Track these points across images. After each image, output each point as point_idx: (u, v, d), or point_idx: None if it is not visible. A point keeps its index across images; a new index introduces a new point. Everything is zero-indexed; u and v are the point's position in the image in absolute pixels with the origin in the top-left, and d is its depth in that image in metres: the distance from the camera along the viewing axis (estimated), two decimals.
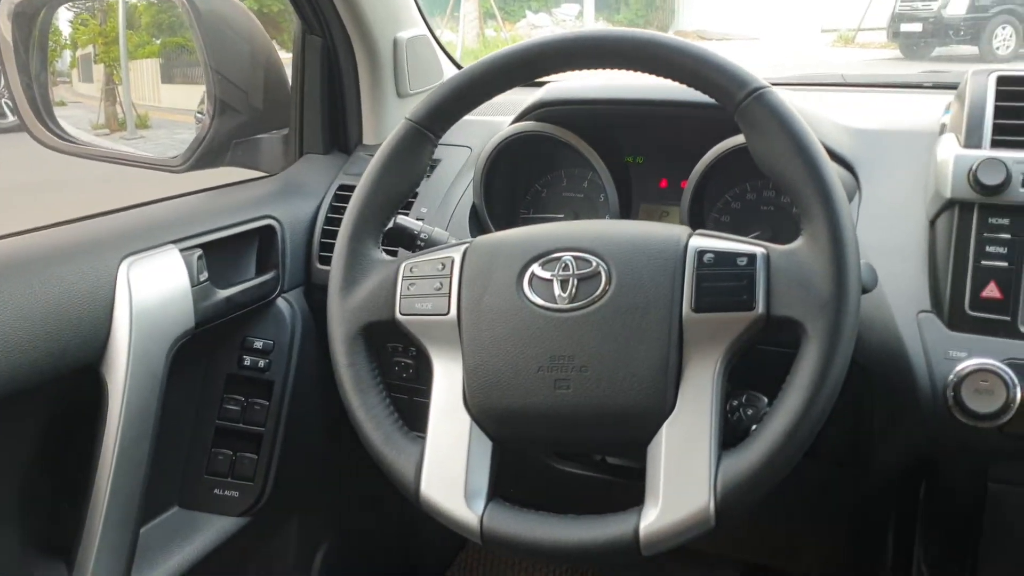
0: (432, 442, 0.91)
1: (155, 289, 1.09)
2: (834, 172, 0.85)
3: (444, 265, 0.95)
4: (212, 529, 1.27)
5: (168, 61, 2.08)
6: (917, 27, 9.99)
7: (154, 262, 1.11)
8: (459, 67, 1.65)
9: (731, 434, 0.87)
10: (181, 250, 1.15)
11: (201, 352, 1.26)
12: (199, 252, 1.17)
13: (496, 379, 0.89)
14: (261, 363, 1.30)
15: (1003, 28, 9.64)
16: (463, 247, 0.96)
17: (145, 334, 1.07)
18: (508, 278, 0.92)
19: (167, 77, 2.10)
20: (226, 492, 1.29)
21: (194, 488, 1.29)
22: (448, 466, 0.90)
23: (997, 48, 9.53)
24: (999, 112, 1.02)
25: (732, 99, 0.87)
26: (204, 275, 1.17)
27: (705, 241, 0.88)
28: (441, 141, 1.02)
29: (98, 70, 2.14)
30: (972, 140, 1.01)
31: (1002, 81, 1.04)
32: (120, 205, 1.21)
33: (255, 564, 1.40)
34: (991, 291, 0.96)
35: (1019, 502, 1.03)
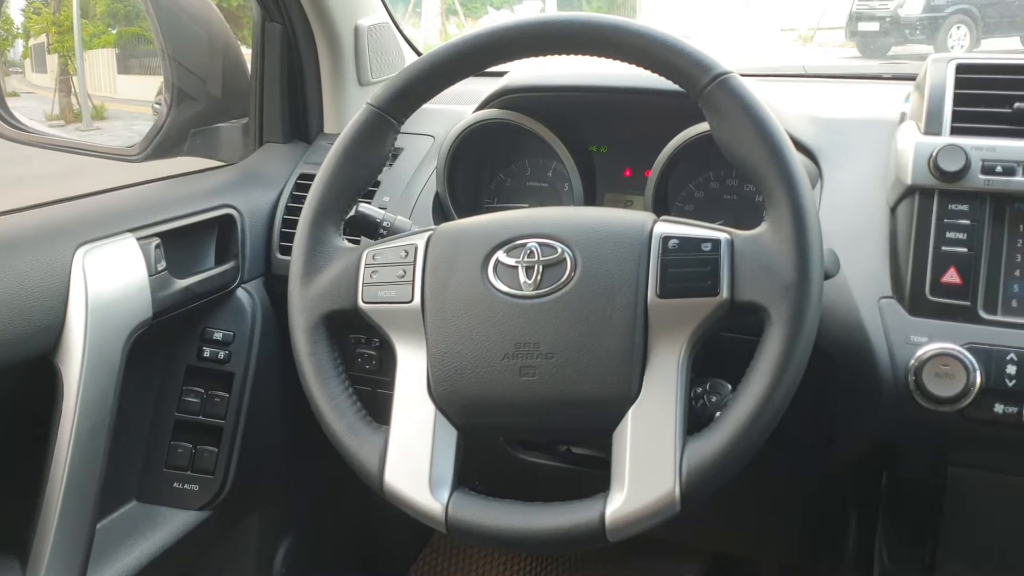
0: (396, 431, 0.90)
1: (111, 278, 1.07)
2: (797, 158, 0.85)
3: (407, 252, 0.94)
4: (171, 523, 1.24)
5: (125, 51, 2.05)
6: (874, 26, 10.12)
7: (110, 251, 1.08)
8: (420, 55, 1.64)
9: (696, 421, 0.87)
10: (138, 239, 1.12)
11: (159, 343, 1.24)
12: (157, 241, 1.15)
13: (461, 367, 0.89)
14: (221, 354, 1.28)
15: (958, 28, 9.80)
16: (427, 234, 0.95)
17: (101, 324, 1.05)
18: (472, 265, 0.91)
19: (124, 67, 2.07)
20: (186, 486, 1.26)
21: (153, 482, 1.27)
22: (412, 455, 0.89)
23: (952, 47, 9.67)
24: (958, 99, 1.03)
25: (696, 84, 0.87)
26: (162, 264, 1.15)
27: (670, 227, 0.88)
28: (404, 130, 1.01)
29: (52, 60, 2.10)
30: (932, 127, 1.02)
31: (961, 69, 1.05)
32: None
33: (216, 559, 1.38)
34: (951, 277, 0.97)
35: (979, 486, 1.04)
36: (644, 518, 0.82)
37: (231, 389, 1.28)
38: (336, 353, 0.96)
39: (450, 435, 0.90)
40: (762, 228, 0.85)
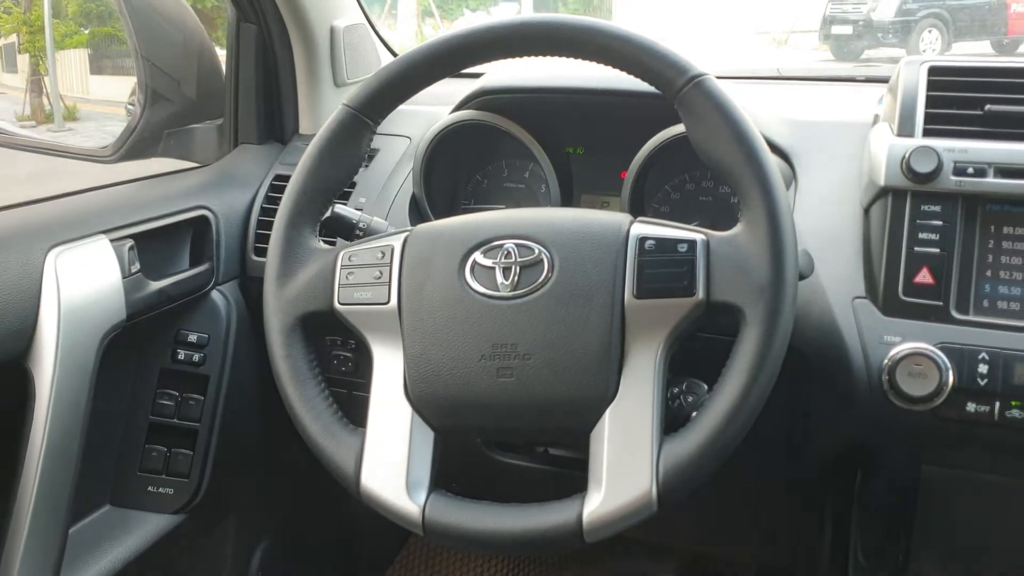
0: (372, 433, 0.90)
1: (84, 280, 1.06)
2: (772, 159, 0.86)
3: (384, 253, 0.94)
4: (145, 527, 1.23)
5: (97, 51, 2.03)
6: (847, 30, 10.21)
7: (83, 253, 1.07)
8: (396, 56, 1.63)
9: (672, 421, 0.87)
10: (112, 240, 1.11)
11: (133, 346, 1.23)
12: (130, 243, 1.14)
13: (438, 368, 0.88)
14: (196, 357, 1.27)
15: (929, 31, 9.91)
16: (403, 235, 0.95)
17: (74, 327, 1.04)
18: (450, 266, 0.91)
19: (96, 68, 2.05)
20: (160, 489, 1.25)
21: (127, 485, 1.25)
22: (389, 457, 0.88)
23: (924, 51, 9.77)
24: (931, 101, 1.04)
25: (671, 86, 0.88)
26: (136, 266, 1.14)
27: (646, 228, 0.88)
28: (380, 131, 1.01)
29: (23, 60, 2.08)
30: (905, 129, 1.03)
31: (933, 71, 1.06)
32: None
33: (191, 563, 1.37)
34: (924, 277, 0.98)
35: (952, 484, 1.05)
36: (621, 518, 0.82)
37: (206, 392, 1.27)
38: (312, 355, 0.95)
39: (427, 437, 0.89)
40: (737, 229, 0.85)
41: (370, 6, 1.58)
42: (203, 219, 1.29)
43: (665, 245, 0.86)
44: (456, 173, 1.34)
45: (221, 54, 1.51)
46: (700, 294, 0.84)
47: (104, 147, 1.40)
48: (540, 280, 0.88)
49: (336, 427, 0.92)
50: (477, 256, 0.90)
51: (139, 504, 1.25)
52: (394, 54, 1.64)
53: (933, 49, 9.77)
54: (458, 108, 1.28)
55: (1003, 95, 1.02)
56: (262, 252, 1.31)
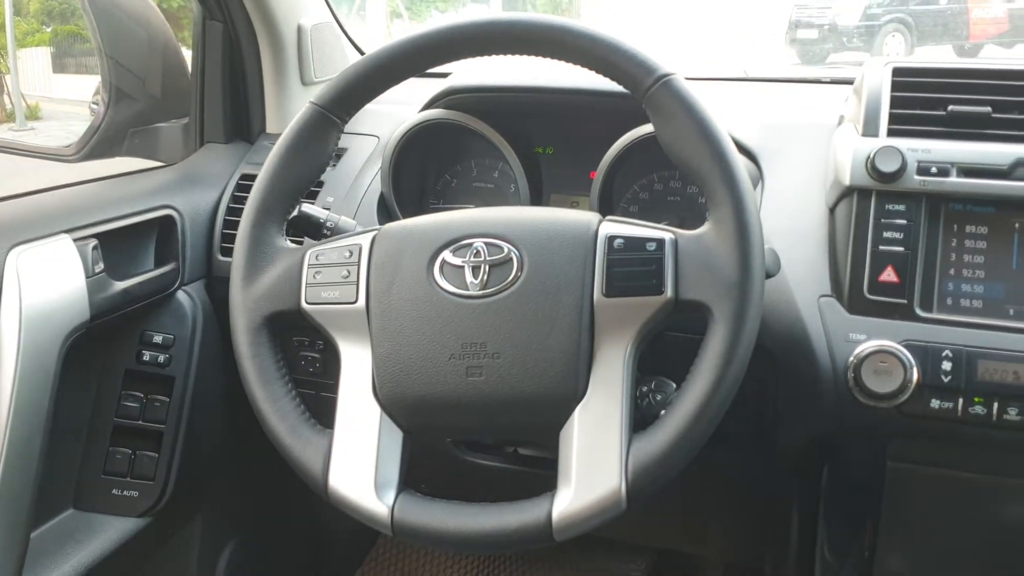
0: (340, 433, 0.89)
1: (47, 280, 1.04)
2: (739, 158, 0.86)
3: (352, 252, 0.93)
4: (110, 531, 1.22)
5: (60, 50, 2.00)
6: (813, 34, 10.32)
7: (46, 252, 1.06)
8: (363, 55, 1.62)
9: (641, 419, 0.87)
10: (75, 240, 1.10)
11: (97, 347, 1.21)
12: (94, 242, 1.12)
13: (406, 368, 0.88)
14: (161, 358, 1.26)
15: (893, 36, 10.04)
16: (371, 234, 0.94)
17: (36, 327, 1.02)
18: (418, 265, 0.90)
19: (59, 66, 2.03)
20: (125, 492, 1.24)
21: (90, 489, 1.24)
22: (357, 457, 0.88)
23: (888, 55, 9.90)
24: (895, 102, 1.05)
25: (640, 86, 0.88)
26: (100, 266, 1.12)
27: (615, 227, 0.88)
28: (348, 130, 1.01)
29: None
30: (869, 129, 1.04)
31: (897, 72, 1.08)
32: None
33: (156, 566, 1.35)
34: (888, 275, 0.99)
35: (916, 480, 1.06)
36: (591, 516, 0.82)
37: (171, 393, 1.26)
38: (279, 355, 0.94)
39: (396, 437, 0.89)
40: (705, 228, 0.86)
41: (337, 6, 1.57)
42: (168, 219, 1.28)
43: (634, 244, 0.86)
44: (425, 172, 1.33)
45: (187, 54, 1.49)
46: (669, 292, 0.84)
47: (67, 146, 1.38)
48: (510, 279, 0.88)
49: (303, 428, 0.91)
50: (446, 255, 0.90)
51: (103, 507, 1.23)
52: (362, 53, 1.63)
53: (897, 53, 9.91)
54: (426, 107, 1.28)
55: (965, 96, 1.04)
56: (228, 252, 1.30)
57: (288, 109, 1.46)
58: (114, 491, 1.24)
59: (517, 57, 0.95)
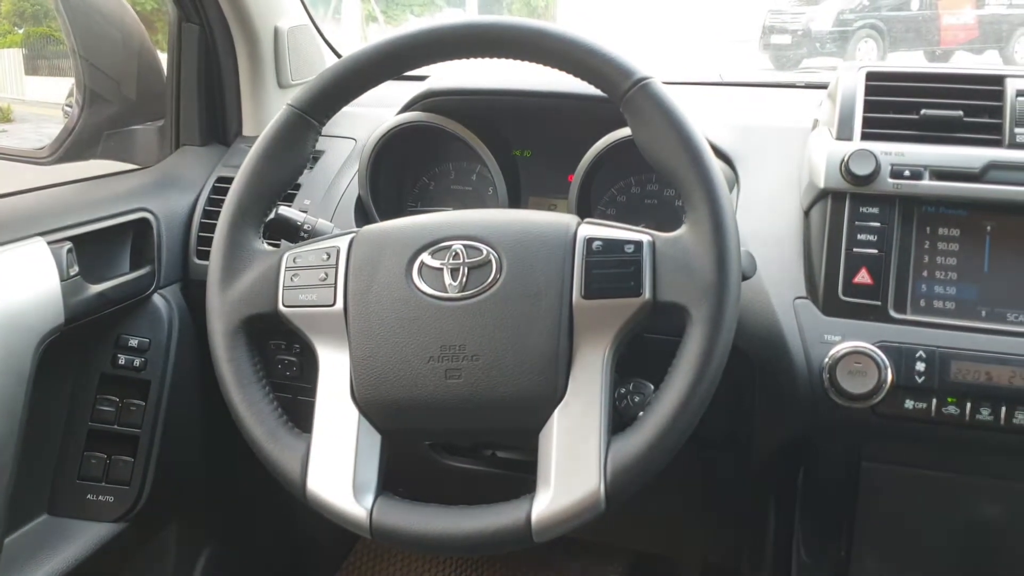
0: (318, 436, 0.89)
1: (21, 284, 1.03)
2: (715, 162, 0.87)
3: (329, 255, 0.93)
4: (84, 537, 1.20)
5: (33, 52, 1.99)
6: (786, 39, 10.41)
7: (19, 255, 1.05)
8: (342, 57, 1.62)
9: (620, 421, 0.88)
10: (49, 243, 1.09)
11: (72, 351, 1.20)
12: (69, 245, 1.11)
13: (385, 370, 0.88)
14: (137, 362, 1.24)
15: (865, 42, 10.15)
16: (349, 236, 0.94)
17: (9, 331, 1.01)
18: (397, 267, 0.90)
19: (32, 68, 2.01)
20: (100, 497, 1.23)
21: (65, 494, 1.22)
22: (335, 460, 0.88)
23: (861, 60, 10.01)
24: (868, 106, 1.07)
25: (617, 89, 0.88)
26: (74, 269, 1.11)
27: (593, 229, 0.89)
28: (325, 132, 1.00)
29: None
30: (843, 132, 1.05)
31: (871, 76, 1.09)
32: None
33: (131, 572, 1.34)
34: (863, 277, 1.01)
35: (891, 480, 1.08)
36: (570, 517, 0.82)
37: (147, 397, 1.25)
38: (256, 358, 0.94)
39: (374, 440, 0.89)
40: (682, 230, 0.86)
41: (312, 10, 1.57)
42: (144, 222, 1.27)
43: (612, 246, 0.87)
44: (402, 175, 1.33)
45: (162, 57, 1.48)
46: (647, 294, 0.84)
47: (41, 148, 1.37)
48: (488, 281, 0.88)
49: (281, 431, 0.90)
50: (425, 257, 0.90)
51: (78, 513, 1.22)
52: (339, 56, 1.63)
53: (869, 58, 10.01)
54: (404, 110, 1.28)
55: (938, 100, 1.05)
56: (205, 255, 1.29)
57: (265, 112, 1.46)
58: (89, 496, 1.23)
59: (495, 60, 0.95)
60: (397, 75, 0.96)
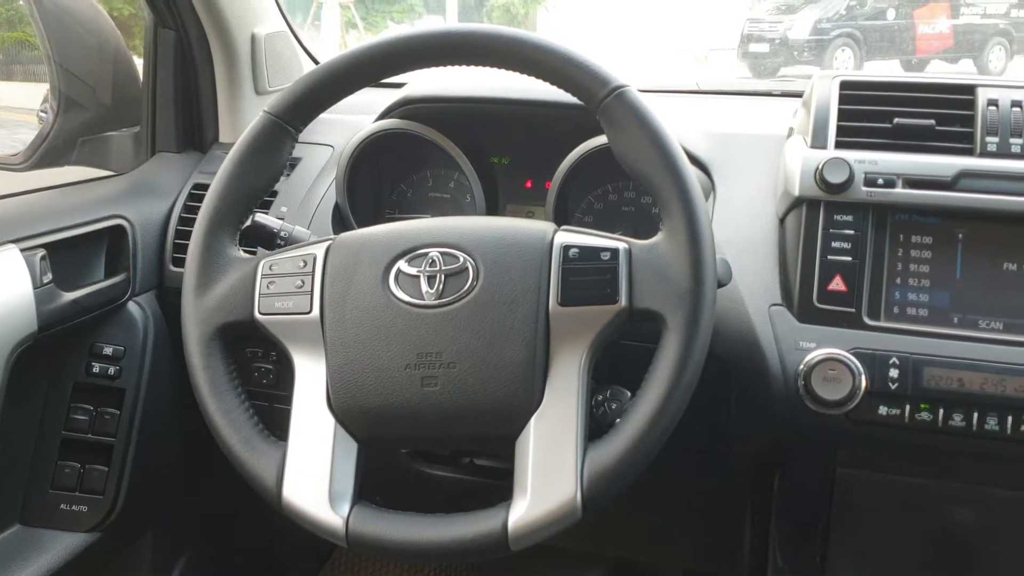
0: (294, 445, 0.89)
1: None
2: (691, 170, 0.87)
3: (306, 262, 0.93)
4: (58, 547, 1.19)
5: (7, 57, 1.97)
6: (764, 47, 10.50)
7: None
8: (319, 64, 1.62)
9: (597, 428, 0.88)
10: (22, 250, 1.08)
11: (45, 359, 1.19)
12: (42, 252, 1.10)
13: (361, 378, 0.88)
14: (111, 370, 1.23)
15: (842, 51, 10.25)
16: (326, 243, 0.94)
17: None
18: (373, 274, 0.90)
19: (5, 73, 1.99)
20: (73, 507, 1.21)
21: (38, 503, 1.21)
22: (311, 469, 0.87)
23: (837, 69, 10.11)
24: (842, 115, 1.08)
25: (594, 97, 0.89)
26: (48, 277, 1.10)
27: (570, 236, 0.89)
28: (302, 139, 1.00)
29: None
30: (818, 141, 1.06)
31: (844, 85, 1.10)
32: None
33: None
34: (837, 284, 1.01)
35: (865, 485, 1.08)
36: (546, 525, 0.82)
37: (122, 406, 1.24)
38: (231, 366, 0.93)
39: (350, 448, 0.88)
40: (658, 238, 0.87)
41: (292, 17, 1.57)
42: (119, 228, 1.26)
43: (588, 253, 0.87)
44: (380, 182, 1.33)
45: (138, 62, 1.47)
46: (623, 301, 0.85)
47: (15, 155, 1.36)
48: (465, 288, 0.88)
49: (257, 439, 0.90)
50: (401, 264, 0.90)
51: (51, 523, 1.21)
52: (317, 62, 1.62)
53: (847, 67, 10.11)
54: (382, 117, 1.28)
55: (911, 108, 1.06)
56: (180, 263, 1.28)
57: (242, 118, 1.45)
58: (62, 506, 1.21)
59: (473, 68, 0.95)
60: (374, 82, 0.96)
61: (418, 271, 0.89)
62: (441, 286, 0.88)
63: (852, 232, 1.02)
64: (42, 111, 1.44)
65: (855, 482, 1.08)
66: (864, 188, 1.02)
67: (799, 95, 1.21)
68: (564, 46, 0.90)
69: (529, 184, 1.30)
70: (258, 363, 1.24)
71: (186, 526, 1.48)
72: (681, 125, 1.23)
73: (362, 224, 1.24)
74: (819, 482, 1.09)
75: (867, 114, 1.07)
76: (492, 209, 1.28)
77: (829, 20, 10.45)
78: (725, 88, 1.59)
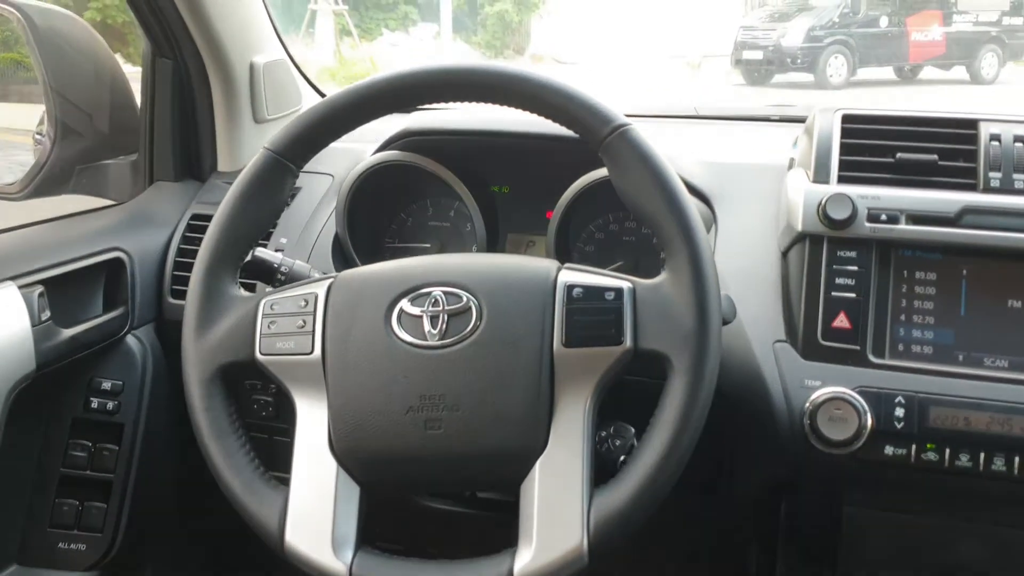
0: (296, 489, 0.88)
1: None
2: (694, 208, 0.87)
3: (307, 302, 0.92)
4: None
5: (2, 77, 1.96)
6: (758, 55, 10.56)
7: None
8: (319, 92, 1.61)
9: (601, 466, 0.87)
10: (20, 287, 1.07)
11: (43, 395, 1.18)
12: (40, 289, 1.09)
13: (363, 421, 0.87)
14: (110, 405, 1.22)
15: (835, 58, 10.29)
16: (327, 282, 0.93)
17: None
18: (376, 314, 0.89)
19: (1, 95, 1.98)
20: (72, 545, 1.20)
21: (36, 542, 1.20)
22: (314, 513, 0.86)
23: (831, 76, 10.16)
24: (844, 149, 1.07)
25: (596, 136, 0.88)
26: (46, 314, 1.09)
27: (574, 275, 0.88)
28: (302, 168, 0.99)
29: None
30: (820, 176, 1.06)
31: (847, 119, 1.09)
32: None
33: None
34: (841, 321, 1.01)
35: (872, 523, 1.07)
36: (552, 573, 0.81)
37: (121, 441, 1.23)
38: (232, 407, 0.92)
39: (352, 492, 0.87)
40: (662, 277, 0.86)
41: (287, 26, 1.56)
42: (117, 261, 1.25)
43: (593, 293, 0.86)
44: (380, 212, 1.32)
45: (133, 72, 1.46)
46: (628, 342, 0.84)
47: (11, 184, 1.35)
48: (468, 329, 0.87)
49: (258, 483, 0.89)
50: (404, 304, 0.89)
51: (49, 562, 1.20)
52: (316, 89, 1.62)
53: (840, 75, 10.15)
54: (382, 148, 1.27)
55: (913, 143, 1.06)
56: (179, 295, 1.27)
57: (241, 147, 1.44)
58: (60, 544, 1.20)
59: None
60: (376, 119, 0.96)
61: (421, 311, 0.88)
62: (444, 326, 0.87)
63: (856, 268, 1.01)
64: (38, 133, 1.43)
65: (863, 521, 1.07)
66: (867, 224, 1.01)
67: (799, 120, 1.20)
68: (566, 83, 0.90)
69: (530, 214, 1.29)
70: (257, 395, 1.23)
71: (184, 565, 1.47)
72: (681, 154, 1.22)
73: (362, 254, 1.24)
74: (826, 521, 1.08)
75: (869, 148, 1.07)
76: (492, 237, 1.28)
77: (822, 28, 10.50)
78: (724, 113, 1.59)
